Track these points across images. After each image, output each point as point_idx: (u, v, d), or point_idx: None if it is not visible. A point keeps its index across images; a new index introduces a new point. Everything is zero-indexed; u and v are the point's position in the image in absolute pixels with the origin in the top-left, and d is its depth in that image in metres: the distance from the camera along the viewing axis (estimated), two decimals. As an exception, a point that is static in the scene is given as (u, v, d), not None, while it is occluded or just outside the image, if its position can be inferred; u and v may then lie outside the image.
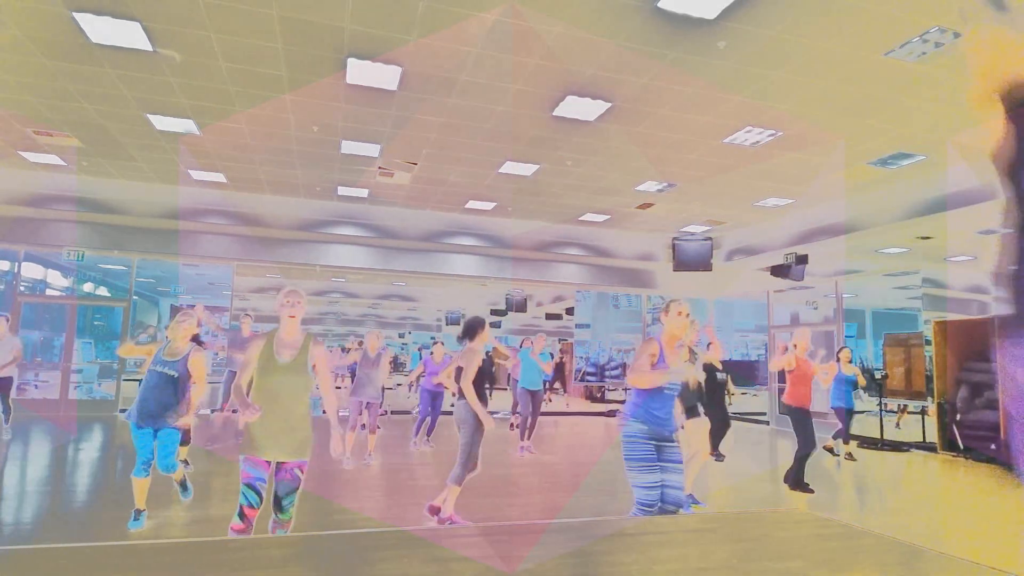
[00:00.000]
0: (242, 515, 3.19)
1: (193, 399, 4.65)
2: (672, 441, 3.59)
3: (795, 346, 6.62)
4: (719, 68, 5.83)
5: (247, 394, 3.23)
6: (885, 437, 10.25)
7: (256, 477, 3.20)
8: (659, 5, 4.86)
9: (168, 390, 4.46)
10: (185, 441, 5.64)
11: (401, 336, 27.71)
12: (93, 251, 11.09)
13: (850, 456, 8.92)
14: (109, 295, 15.03)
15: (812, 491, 6.32)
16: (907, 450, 9.96)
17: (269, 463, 3.25)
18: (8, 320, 8.18)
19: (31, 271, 12.76)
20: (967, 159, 7.84)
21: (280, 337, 3.34)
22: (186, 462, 5.95)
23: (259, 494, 3.21)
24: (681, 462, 3.59)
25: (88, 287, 15.12)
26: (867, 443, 10.15)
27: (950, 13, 4.83)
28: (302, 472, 3.32)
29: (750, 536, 2.89)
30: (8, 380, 8.10)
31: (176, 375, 4.47)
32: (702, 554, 2.61)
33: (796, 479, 6.39)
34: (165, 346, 4.56)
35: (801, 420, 6.44)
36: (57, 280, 13.74)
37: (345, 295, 23.11)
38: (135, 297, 12.50)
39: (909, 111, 6.61)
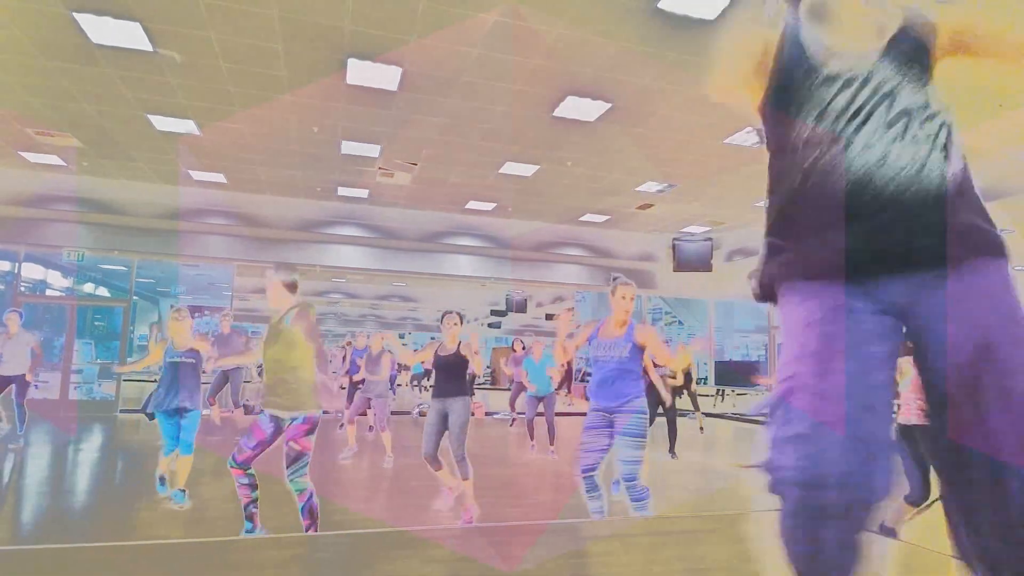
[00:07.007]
0: None
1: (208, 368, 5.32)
2: (623, 413, 3.59)
3: None
4: (719, 68, 5.83)
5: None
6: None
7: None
8: (659, 5, 4.86)
9: (189, 375, 5.04)
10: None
11: (401, 336, 27.72)
12: (93, 251, 11.08)
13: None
14: (109, 295, 15.03)
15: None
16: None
17: None
18: (21, 316, 7.48)
19: (31, 271, 12.75)
20: (966, 159, 7.83)
21: None
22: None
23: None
24: (632, 436, 3.55)
25: (88, 287, 15.11)
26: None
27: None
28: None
29: (750, 536, 2.89)
30: (20, 379, 7.35)
31: (193, 361, 5.08)
32: (702, 554, 2.61)
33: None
34: (170, 344, 5.06)
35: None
36: (57, 280, 13.72)
37: (345, 295, 23.10)
38: (135, 297, 12.51)
39: (909, 111, 6.61)
